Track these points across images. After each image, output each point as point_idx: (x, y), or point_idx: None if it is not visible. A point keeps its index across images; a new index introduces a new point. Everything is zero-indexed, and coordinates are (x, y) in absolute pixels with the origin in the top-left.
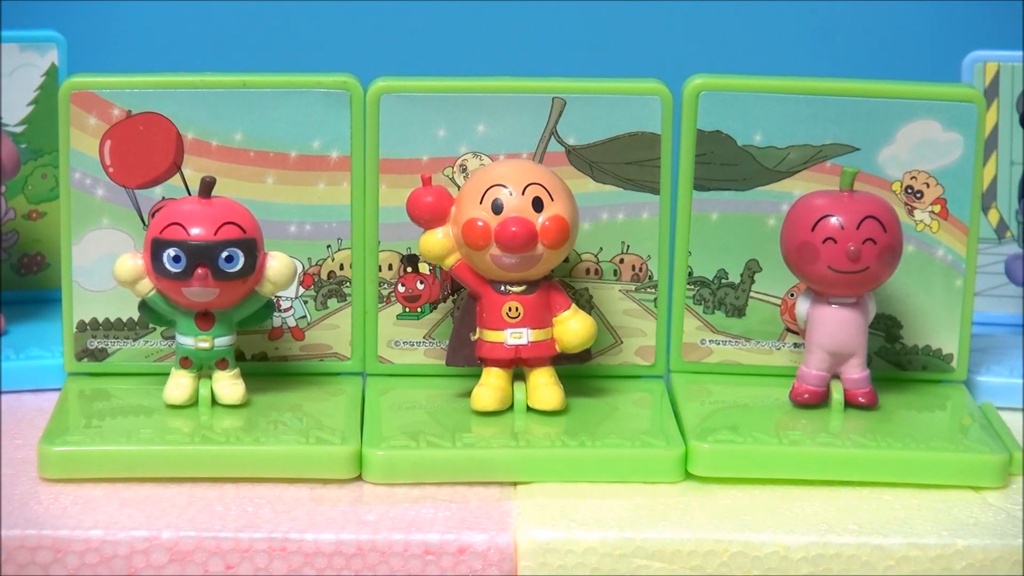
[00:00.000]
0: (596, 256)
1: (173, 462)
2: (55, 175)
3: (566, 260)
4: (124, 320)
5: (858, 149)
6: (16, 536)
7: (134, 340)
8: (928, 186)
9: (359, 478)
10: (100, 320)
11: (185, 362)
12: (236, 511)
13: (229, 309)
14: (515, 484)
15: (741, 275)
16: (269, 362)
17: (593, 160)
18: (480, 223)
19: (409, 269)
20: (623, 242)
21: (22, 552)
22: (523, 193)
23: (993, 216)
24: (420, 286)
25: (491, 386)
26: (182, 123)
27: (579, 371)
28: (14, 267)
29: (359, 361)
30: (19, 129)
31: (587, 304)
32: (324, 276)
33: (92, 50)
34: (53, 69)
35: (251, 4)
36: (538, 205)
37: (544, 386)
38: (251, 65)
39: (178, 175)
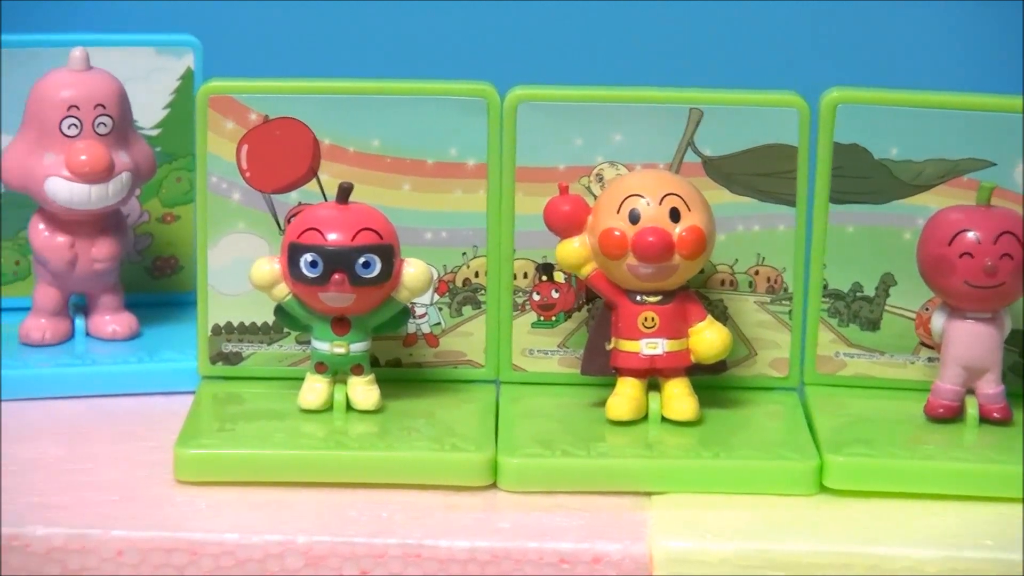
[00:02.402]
0: (731, 267)
1: (307, 467)
2: (189, 179)
3: (701, 271)
4: (259, 324)
5: (995, 164)
6: (151, 538)
7: (268, 344)
8: None
9: (492, 485)
10: (235, 324)
11: (320, 367)
12: (370, 516)
13: (365, 315)
14: (649, 494)
15: (876, 288)
16: (403, 368)
17: (729, 171)
18: (617, 233)
19: (544, 277)
20: (758, 254)
21: (157, 554)
22: (660, 203)
23: None
24: (555, 295)
25: (625, 396)
26: (319, 128)
27: (713, 382)
28: (147, 270)
29: (493, 369)
30: (154, 132)
31: (722, 315)
32: (459, 283)
33: (227, 54)
34: (189, 73)
35: (389, 10)
36: (675, 215)
37: (679, 397)
38: (389, 71)
39: (314, 180)
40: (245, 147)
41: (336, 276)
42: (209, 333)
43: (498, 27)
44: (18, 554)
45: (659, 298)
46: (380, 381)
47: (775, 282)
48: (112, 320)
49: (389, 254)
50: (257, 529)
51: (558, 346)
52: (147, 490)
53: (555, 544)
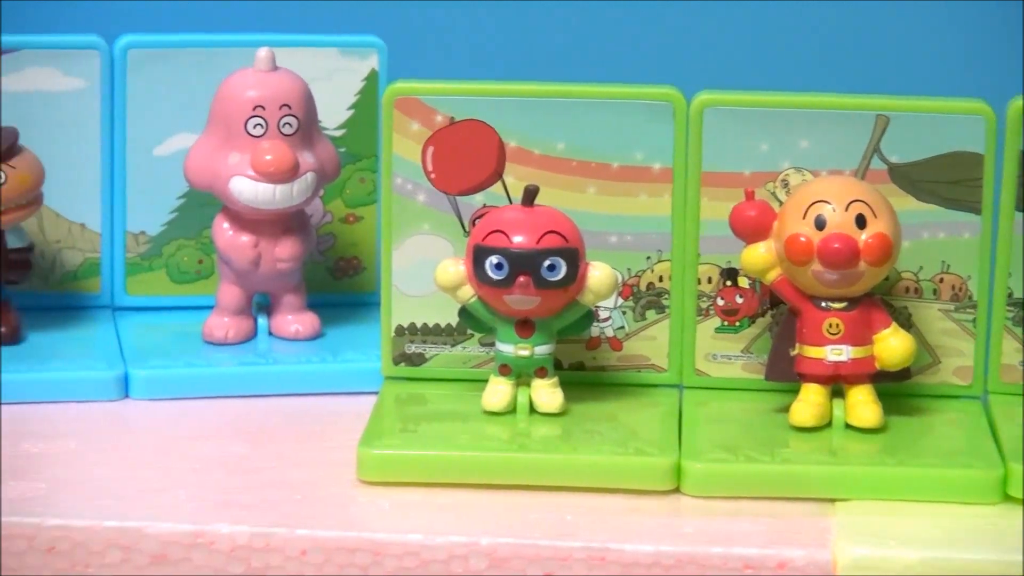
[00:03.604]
0: (916, 275)
1: (490, 468)
2: (372, 180)
3: (886, 278)
4: (442, 326)
5: None
6: (335, 537)
7: (452, 346)
8: None
9: (676, 490)
10: (418, 325)
11: (504, 369)
12: (553, 519)
13: (549, 318)
14: (832, 500)
15: None
16: (586, 372)
17: (915, 178)
18: (803, 239)
19: (728, 282)
20: (943, 261)
21: (341, 554)
22: (846, 210)
23: None
24: (739, 300)
25: (809, 402)
26: (504, 131)
27: (895, 389)
28: (330, 270)
29: (676, 373)
30: (338, 133)
31: (906, 322)
32: (643, 287)
33: (411, 55)
34: (373, 74)
35: (576, 12)
36: (861, 222)
37: (863, 404)
38: (575, 75)
39: (499, 183)
40: (431, 149)
41: (521, 278)
42: (392, 334)
43: (685, 31)
44: (203, 552)
45: (844, 304)
46: (563, 384)
47: (960, 290)
48: (295, 320)
49: (574, 257)
50: (441, 530)
51: (742, 351)
52: (330, 490)
53: (739, 549)
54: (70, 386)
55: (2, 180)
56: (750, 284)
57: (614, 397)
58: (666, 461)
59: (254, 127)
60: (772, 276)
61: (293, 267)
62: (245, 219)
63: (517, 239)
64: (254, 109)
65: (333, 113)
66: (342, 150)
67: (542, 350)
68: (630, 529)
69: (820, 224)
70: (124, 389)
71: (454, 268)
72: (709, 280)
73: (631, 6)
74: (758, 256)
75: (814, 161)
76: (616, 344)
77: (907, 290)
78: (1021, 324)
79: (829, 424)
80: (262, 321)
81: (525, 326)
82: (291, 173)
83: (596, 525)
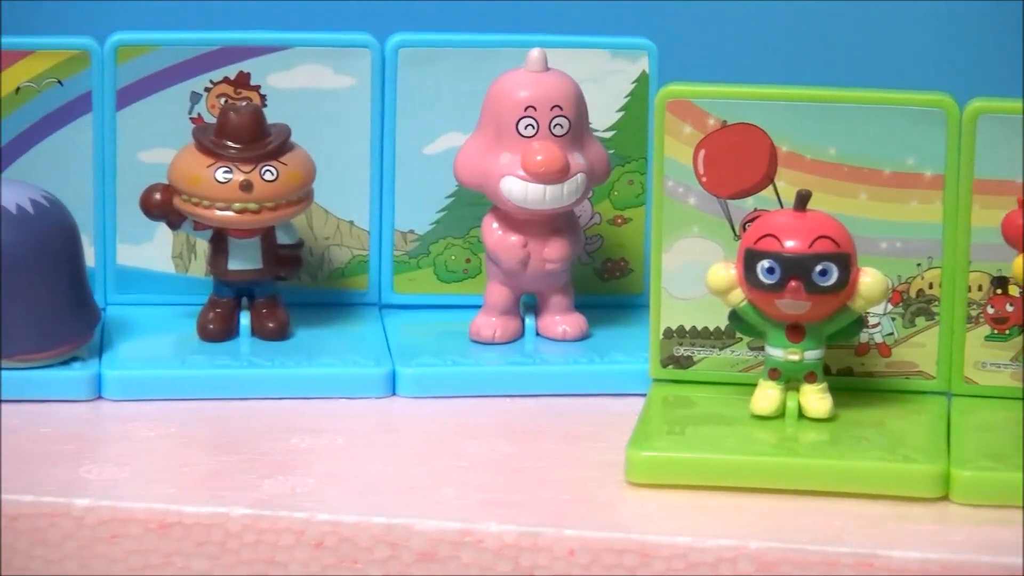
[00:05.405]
0: None
1: (758, 472)
2: (641, 181)
3: None
4: (711, 329)
5: None
6: (603, 538)
7: (720, 349)
8: None
9: (944, 498)
10: (687, 328)
11: (774, 373)
12: (821, 524)
13: (820, 323)
14: None
15: None
16: (854, 377)
17: None
18: None
19: (999, 290)
20: None
21: (609, 555)
22: None
23: None
24: (1009, 308)
25: None
26: (776, 135)
27: None
28: (596, 271)
29: (944, 381)
30: (608, 135)
31: None
32: (913, 294)
33: (680, 57)
34: (643, 77)
35: (842, 15)
36: None
37: None
38: (845, 79)
39: (771, 187)
40: (703, 152)
41: (793, 283)
42: (661, 336)
43: (956, 37)
44: (471, 550)
45: None
46: (831, 389)
47: None
48: (562, 320)
49: (846, 263)
50: (708, 533)
51: (1011, 360)
52: (598, 490)
53: (1008, 558)
54: (338, 382)
55: (274, 176)
56: (1021, 292)
57: (882, 403)
58: (935, 468)
59: (525, 127)
60: None
61: (561, 268)
62: (514, 219)
63: (789, 243)
64: (526, 109)
65: (603, 115)
66: (611, 152)
67: (812, 355)
68: (898, 536)
69: None
70: (391, 386)
71: (725, 272)
72: (979, 288)
73: (902, 7)
74: None
75: None
76: (885, 350)
77: None
78: None
79: None
80: (529, 321)
81: (795, 331)
82: (562, 174)
83: (863, 531)
